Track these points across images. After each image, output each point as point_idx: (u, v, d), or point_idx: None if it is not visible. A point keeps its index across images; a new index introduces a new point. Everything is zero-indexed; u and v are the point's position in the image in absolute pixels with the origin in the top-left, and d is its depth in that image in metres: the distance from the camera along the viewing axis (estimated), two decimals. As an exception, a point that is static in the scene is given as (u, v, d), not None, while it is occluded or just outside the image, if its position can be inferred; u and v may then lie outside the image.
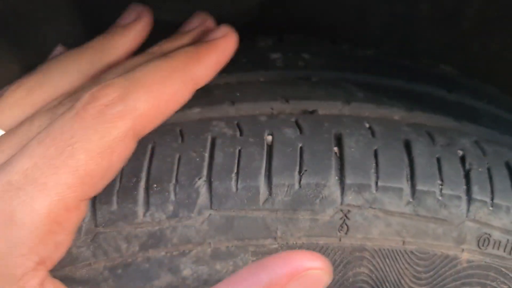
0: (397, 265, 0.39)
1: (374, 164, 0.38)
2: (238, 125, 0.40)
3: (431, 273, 0.39)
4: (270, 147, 0.38)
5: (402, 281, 0.39)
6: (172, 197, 0.37)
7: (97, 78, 0.39)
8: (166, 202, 0.37)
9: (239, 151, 0.38)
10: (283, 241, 0.38)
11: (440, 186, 0.38)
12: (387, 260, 0.39)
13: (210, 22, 0.45)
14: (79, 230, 0.36)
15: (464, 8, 0.57)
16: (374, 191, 0.37)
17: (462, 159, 0.40)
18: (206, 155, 0.38)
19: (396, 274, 0.39)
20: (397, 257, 0.38)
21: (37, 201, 0.32)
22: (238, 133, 0.39)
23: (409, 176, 0.38)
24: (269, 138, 0.39)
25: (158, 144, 0.38)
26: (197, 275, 0.38)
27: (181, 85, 0.38)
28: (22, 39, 0.61)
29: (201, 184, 0.37)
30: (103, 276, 0.38)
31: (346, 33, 0.61)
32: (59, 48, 0.45)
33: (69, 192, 0.33)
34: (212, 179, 0.37)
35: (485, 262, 0.39)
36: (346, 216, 0.37)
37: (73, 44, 0.45)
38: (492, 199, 0.38)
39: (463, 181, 0.39)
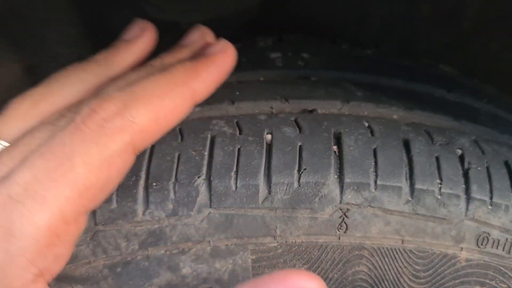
0: (396, 264, 0.39)
1: (373, 163, 0.38)
2: (237, 124, 0.40)
3: (430, 271, 0.39)
4: (269, 146, 0.38)
5: (401, 280, 0.39)
6: (172, 195, 0.37)
7: (98, 91, 0.39)
8: (166, 201, 0.37)
9: (239, 149, 0.38)
10: (282, 239, 0.38)
11: (439, 185, 0.38)
12: (386, 258, 0.39)
13: (209, 36, 0.45)
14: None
15: (464, 8, 0.57)
16: (373, 190, 0.37)
17: (461, 158, 0.40)
18: (206, 153, 0.38)
19: (395, 273, 0.39)
20: (396, 255, 0.39)
21: (37, 214, 0.32)
22: (237, 132, 0.39)
23: (408, 175, 0.38)
24: (269, 137, 0.39)
25: (157, 143, 0.39)
26: (196, 273, 0.38)
27: (181, 99, 0.38)
28: (22, 39, 0.61)
29: (200, 182, 0.37)
30: (102, 274, 0.38)
31: (346, 33, 0.61)
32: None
33: (68, 205, 0.33)
34: (211, 178, 0.37)
35: (484, 261, 0.39)
36: (345, 214, 0.37)
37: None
38: (491, 198, 0.38)
39: (462, 180, 0.39)
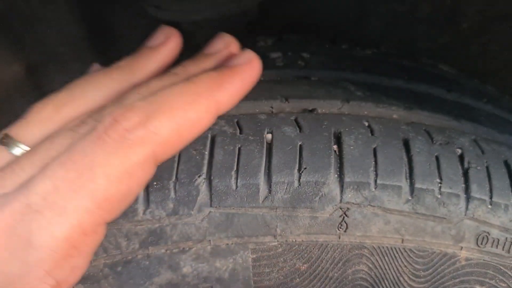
0: (396, 263, 0.39)
1: (373, 162, 0.38)
2: (238, 123, 0.40)
3: (430, 271, 0.39)
4: (269, 145, 0.38)
5: (401, 279, 0.39)
6: (172, 194, 0.37)
7: (121, 98, 0.39)
8: (166, 200, 0.37)
9: (239, 149, 0.38)
10: (282, 238, 0.38)
11: (439, 184, 0.38)
12: (386, 257, 0.39)
13: (234, 45, 0.44)
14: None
15: (464, 8, 0.57)
16: (373, 189, 0.37)
17: (461, 158, 0.40)
18: (206, 153, 0.38)
19: (395, 272, 0.39)
20: (396, 255, 0.39)
21: (56, 225, 0.32)
22: (238, 131, 0.39)
23: (408, 174, 0.38)
24: (269, 136, 0.39)
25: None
26: (197, 272, 0.38)
27: (204, 111, 0.37)
28: (22, 39, 0.62)
29: (201, 181, 0.37)
30: (103, 273, 0.38)
31: (346, 33, 0.61)
32: (95, 67, 0.44)
33: (87, 216, 0.33)
34: (212, 177, 0.37)
35: (483, 260, 0.39)
36: (345, 213, 0.37)
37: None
38: (490, 197, 0.38)
39: (462, 179, 0.39)
